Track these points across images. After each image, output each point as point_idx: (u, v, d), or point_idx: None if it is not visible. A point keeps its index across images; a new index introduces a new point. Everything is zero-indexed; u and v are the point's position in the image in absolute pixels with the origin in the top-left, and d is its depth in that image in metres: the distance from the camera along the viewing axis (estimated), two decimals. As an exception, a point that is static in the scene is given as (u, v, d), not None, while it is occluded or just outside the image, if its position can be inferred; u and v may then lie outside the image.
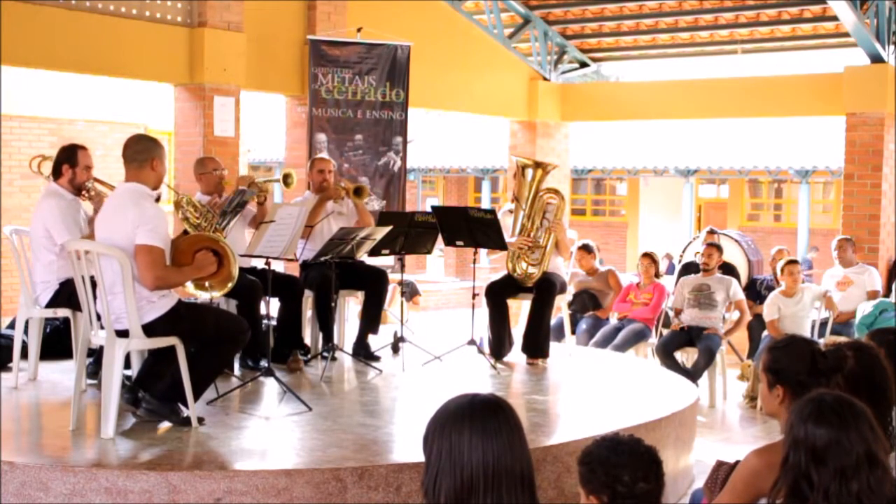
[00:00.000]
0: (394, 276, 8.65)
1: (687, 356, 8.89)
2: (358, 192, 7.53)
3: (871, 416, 2.79)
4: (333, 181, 7.53)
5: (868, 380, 3.42)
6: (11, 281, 10.58)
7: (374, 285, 7.56)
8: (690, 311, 8.86)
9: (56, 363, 6.63)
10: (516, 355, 7.61)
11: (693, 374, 8.32)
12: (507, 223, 7.57)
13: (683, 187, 21.96)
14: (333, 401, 6.15)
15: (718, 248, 9.15)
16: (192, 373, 5.11)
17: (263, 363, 6.43)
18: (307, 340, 7.41)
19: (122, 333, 5.01)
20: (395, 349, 7.64)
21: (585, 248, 10.08)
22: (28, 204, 11.37)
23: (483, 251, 9.72)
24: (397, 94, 10.54)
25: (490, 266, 17.31)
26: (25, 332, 6.34)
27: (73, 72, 9.39)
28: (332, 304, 7.16)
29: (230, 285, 5.37)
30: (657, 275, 9.64)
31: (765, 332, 9.18)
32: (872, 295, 9.70)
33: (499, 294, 7.66)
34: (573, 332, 9.20)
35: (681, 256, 11.35)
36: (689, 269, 9.88)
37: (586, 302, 9.81)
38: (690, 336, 8.74)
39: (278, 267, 8.22)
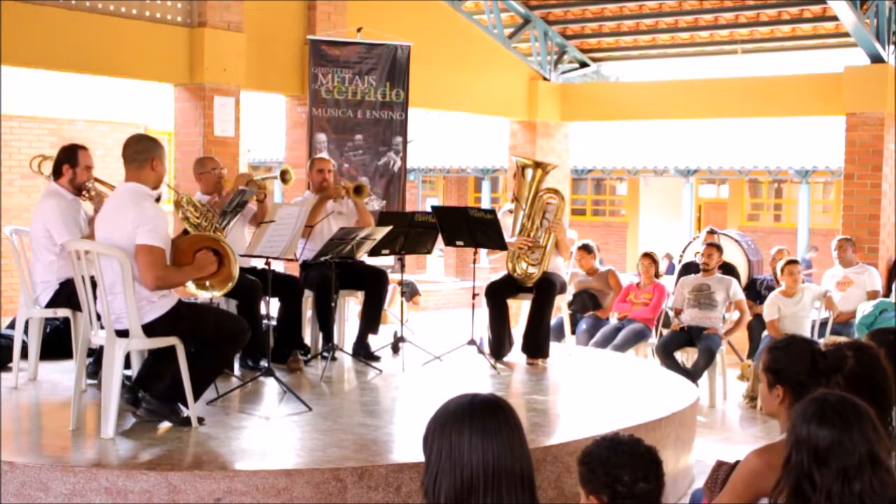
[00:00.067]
0: (394, 276, 8.65)
1: (687, 356, 8.89)
2: (358, 190, 7.53)
3: (874, 416, 2.79)
4: (333, 181, 7.53)
5: (868, 380, 3.42)
6: (11, 281, 10.58)
7: (374, 285, 7.56)
8: (690, 311, 8.86)
9: (56, 363, 6.63)
10: (516, 355, 7.61)
11: (693, 374, 8.32)
12: (507, 223, 7.57)
13: (683, 187, 21.96)
14: (333, 401, 6.15)
15: (718, 248, 9.15)
16: (192, 373, 5.11)
17: (263, 363, 6.43)
18: (307, 340, 7.41)
19: (122, 333, 5.01)
20: (395, 349, 7.64)
21: (585, 248, 10.08)
22: (28, 204, 11.37)
23: (483, 251, 9.72)
24: (397, 94, 10.54)
25: (490, 266, 17.30)
26: (25, 332, 6.34)
27: (73, 72, 9.39)
28: (332, 304, 7.16)
29: (230, 285, 5.37)
30: (657, 275, 9.64)
31: (765, 332, 9.18)
32: (872, 295, 9.70)
33: (499, 294, 7.66)
34: (573, 332, 9.20)
35: (681, 256, 11.35)
36: (689, 269, 9.88)
37: (586, 302, 9.81)
38: (690, 336, 8.74)
39: (278, 267, 8.21)
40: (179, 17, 9.36)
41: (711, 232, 10.55)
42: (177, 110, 9.63)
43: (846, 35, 11.41)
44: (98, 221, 5.22)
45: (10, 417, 5.47)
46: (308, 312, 7.45)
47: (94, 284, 5.10)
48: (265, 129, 19.89)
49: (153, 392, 5.16)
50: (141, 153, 5.13)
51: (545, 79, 13.42)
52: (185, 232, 5.99)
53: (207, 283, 5.34)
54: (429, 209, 7.83)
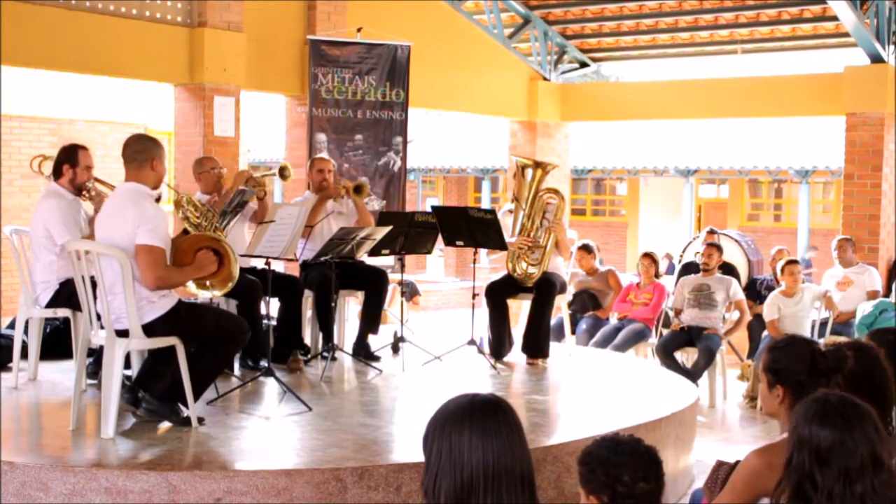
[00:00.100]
0: (394, 276, 8.65)
1: (687, 356, 8.89)
2: (358, 189, 7.54)
3: (876, 416, 2.79)
4: (333, 180, 7.53)
5: (868, 380, 3.42)
6: (11, 281, 10.58)
7: (374, 285, 7.56)
8: (690, 311, 8.86)
9: (56, 363, 6.63)
10: (516, 355, 7.61)
11: (693, 374, 8.32)
12: (507, 223, 7.58)
13: (683, 187, 21.96)
14: (333, 401, 6.15)
15: (718, 248, 9.15)
16: (192, 373, 5.11)
17: (263, 363, 6.43)
18: (307, 340, 7.41)
19: (122, 333, 5.01)
20: (395, 349, 7.64)
21: (585, 248, 10.08)
22: (28, 204, 11.37)
23: (483, 251, 9.72)
24: (397, 94, 10.54)
25: (490, 266, 17.30)
26: (25, 332, 6.34)
27: (73, 72, 9.39)
28: (332, 304, 7.16)
29: (231, 285, 5.37)
30: (657, 275, 9.64)
31: (765, 332, 9.18)
32: (872, 295, 9.70)
33: (499, 294, 7.66)
34: (573, 332, 9.20)
35: (681, 256, 11.35)
36: (689, 269, 9.88)
37: (586, 302, 9.82)
38: (690, 336, 8.74)
39: (278, 267, 8.21)
40: (179, 17, 9.36)
41: (711, 232, 10.55)
42: (177, 110, 9.63)
43: (846, 35, 11.41)
44: (98, 221, 5.22)
45: (10, 417, 5.47)
46: (308, 312, 7.45)
47: (94, 284, 5.10)
48: (265, 129, 19.89)
49: (153, 392, 5.16)
50: (141, 153, 5.13)
51: (545, 79, 13.42)
52: (185, 232, 6.00)
53: (208, 283, 5.34)
54: (429, 209, 7.83)
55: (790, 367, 3.31)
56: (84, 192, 6.21)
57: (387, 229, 6.87)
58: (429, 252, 7.73)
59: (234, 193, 6.66)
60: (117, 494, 4.30)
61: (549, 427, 5.75)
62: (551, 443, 5.14)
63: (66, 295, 5.94)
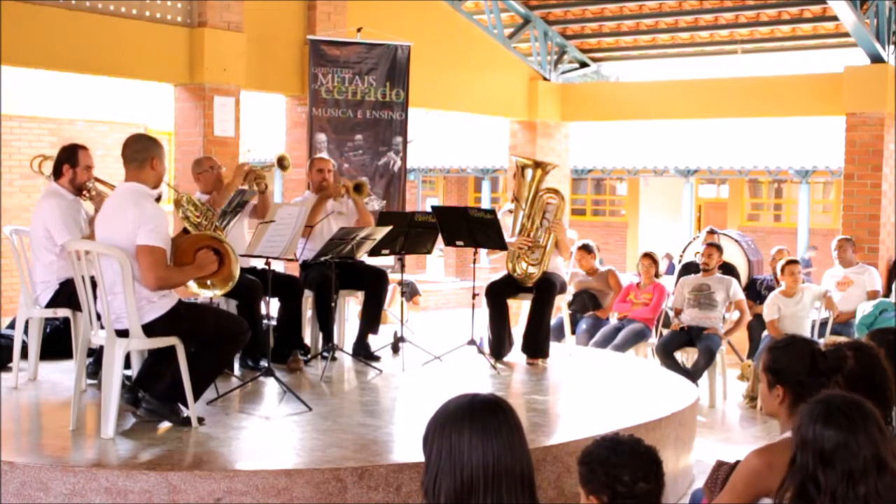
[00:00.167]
0: (394, 276, 8.65)
1: (687, 356, 8.89)
2: (358, 188, 7.54)
3: (881, 417, 2.78)
4: (333, 180, 7.53)
5: (868, 380, 3.42)
6: (11, 281, 10.58)
7: (374, 285, 7.56)
8: (690, 311, 8.86)
9: (56, 363, 6.63)
10: (516, 355, 7.61)
11: (693, 374, 8.32)
12: (506, 223, 7.58)
13: (683, 187, 21.96)
14: (333, 401, 6.15)
15: (718, 248, 9.15)
16: (192, 373, 5.11)
17: (263, 363, 6.43)
18: (307, 340, 7.40)
19: (122, 333, 5.01)
20: (395, 349, 7.64)
21: (585, 248, 10.08)
22: (28, 204, 11.37)
23: (483, 251, 9.72)
24: (397, 94, 10.54)
25: (490, 266, 17.30)
26: (25, 332, 6.34)
27: (73, 72, 9.39)
28: (332, 304, 7.16)
29: (231, 284, 5.38)
30: (657, 275, 9.64)
31: (765, 332, 9.18)
32: (872, 295, 9.70)
33: (499, 294, 7.66)
34: (573, 332, 9.20)
35: (681, 256, 11.35)
36: (689, 269, 9.88)
37: (586, 302, 9.81)
38: (690, 336, 8.74)
39: (278, 267, 8.21)
40: (179, 17, 9.36)
41: (711, 232, 10.55)
42: (177, 110, 9.63)
43: (846, 35, 11.41)
44: (98, 221, 5.22)
45: (10, 417, 5.47)
46: (308, 312, 7.45)
47: (94, 284, 5.10)
48: (265, 129, 19.89)
49: (153, 392, 5.16)
50: (140, 153, 5.13)
51: (545, 79, 13.42)
52: (185, 231, 6.00)
53: (209, 282, 5.35)
54: (429, 209, 7.83)
55: (790, 367, 3.31)
56: (84, 192, 6.21)
57: (387, 229, 6.87)
58: (429, 252, 7.73)
59: (234, 193, 6.67)
60: (117, 494, 4.30)
61: (549, 427, 5.75)
62: (551, 443, 5.14)
63: (66, 295, 5.94)
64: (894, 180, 11.09)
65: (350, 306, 9.16)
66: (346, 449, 4.88)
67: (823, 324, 9.24)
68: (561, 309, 8.38)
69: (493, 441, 2.49)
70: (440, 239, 7.55)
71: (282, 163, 7.16)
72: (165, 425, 5.16)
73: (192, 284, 5.35)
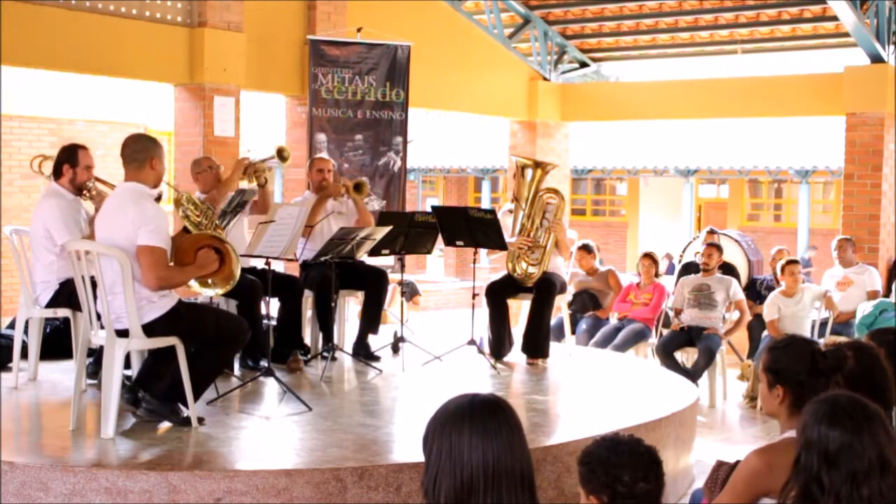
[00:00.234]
0: (394, 276, 8.65)
1: (687, 356, 8.89)
2: (358, 188, 7.54)
3: (885, 418, 2.78)
4: (333, 179, 7.53)
5: (868, 380, 3.42)
6: (11, 281, 10.58)
7: (374, 285, 7.56)
8: (690, 311, 8.86)
9: (56, 363, 6.63)
10: (516, 355, 7.61)
11: (693, 374, 8.32)
12: (506, 223, 7.58)
13: (683, 187, 21.96)
14: (333, 401, 6.15)
15: (718, 248, 9.15)
16: (192, 373, 5.11)
17: (263, 363, 6.43)
18: (307, 340, 7.40)
19: (122, 333, 5.01)
20: (395, 349, 7.64)
21: (585, 248, 10.08)
22: (28, 204, 11.37)
23: (483, 251, 9.72)
24: (397, 94, 10.54)
25: (490, 266, 17.30)
26: (25, 332, 6.34)
27: (73, 72, 9.39)
28: (332, 304, 7.16)
29: (232, 283, 5.38)
30: (657, 275, 9.64)
31: (765, 332, 9.18)
32: (872, 295, 9.70)
33: (499, 294, 7.66)
34: (573, 332, 9.20)
35: (681, 256, 11.35)
36: (689, 269, 9.88)
37: (586, 302, 9.81)
38: (690, 336, 8.74)
39: (278, 267, 8.22)
40: (179, 17, 9.36)
41: (711, 232, 10.55)
42: (177, 110, 9.63)
43: (846, 35, 11.41)
44: (98, 221, 5.22)
45: (10, 417, 5.47)
46: (308, 312, 7.45)
47: (94, 284, 5.10)
48: (265, 129, 19.88)
49: (153, 392, 5.16)
50: (139, 152, 5.13)
51: (545, 79, 13.42)
52: (186, 230, 6.00)
53: (210, 281, 5.35)
54: (429, 209, 7.83)
55: (790, 367, 3.31)
56: (85, 192, 6.21)
57: (387, 229, 6.87)
58: (429, 252, 7.73)
59: (234, 193, 6.67)
60: (117, 494, 4.30)
61: (549, 427, 5.75)
62: (551, 443, 5.14)
63: (66, 295, 5.94)
64: (894, 180, 11.09)
65: (350, 306, 9.17)
66: (346, 449, 4.88)
67: (823, 324, 9.25)
68: (561, 309, 8.39)
69: (493, 441, 2.48)
70: (440, 239, 7.55)
71: (281, 154, 7.16)
72: (165, 425, 5.16)
73: (193, 283, 5.36)
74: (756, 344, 9.57)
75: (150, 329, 5.03)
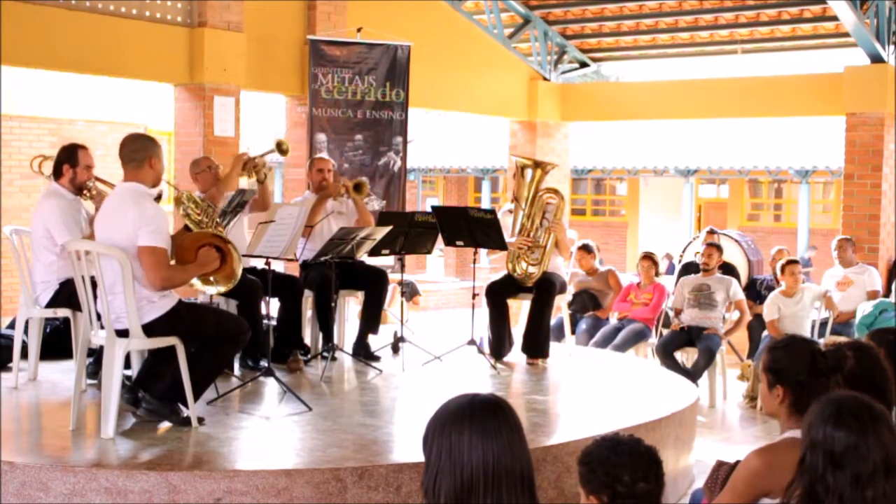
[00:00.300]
0: (394, 276, 8.65)
1: (687, 356, 8.89)
2: (358, 187, 7.54)
3: (890, 419, 2.78)
4: (333, 179, 7.53)
5: (868, 380, 3.42)
6: (11, 281, 10.58)
7: (374, 285, 7.56)
8: (690, 311, 8.86)
9: (56, 363, 6.63)
10: (516, 355, 7.61)
11: (693, 374, 8.32)
12: (506, 223, 7.58)
13: (683, 187, 21.97)
14: (333, 401, 6.15)
15: (718, 248, 9.15)
16: (192, 373, 5.11)
17: (263, 363, 6.43)
18: (307, 340, 7.40)
19: (122, 333, 5.01)
20: (395, 349, 7.64)
21: (585, 248, 10.08)
22: (28, 204, 11.37)
23: (483, 251, 9.72)
24: (397, 94, 10.54)
25: (490, 266, 17.30)
26: (25, 332, 6.34)
27: (73, 72, 9.39)
28: (332, 304, 7.16)
29: (234, 281, 5.38)
30: (657, 275, 9.64)
31: (765, 332, 9.18)
32: (872, 295, 9.70)
33: (499, 294, 7.66)
34: (573, 332, 9.20)
35: (681, 256, 11.35)
36: (689, 269, 9.88)
37: (586, 302, 9.81)
38: (690, 336, 8.74)
39: (278, 267, 8.21)
40: (179, 17, 9.36)
41: (711, 232, 10.55)
42: (177, 110, 9.63)
43: (846, 35, 11.41)
44: (97, 221, 5.22)
45: (10, 417, 5.47)
46: (308, 312, 7.45)
47: (94, 284, 5.10)
48: (265, 129, 19.88)
49: (153, 392, 5.16)
50: (138, 152, 5.13)
51: (545, 79, 13.42)
52: (187, 228, 5.99)
53: (212, 279, 5.36)
54: (429, 209, 7.83)
55: (790, 367, 3.31)
56: (85, 192, 6.21)
57: (387, 229, 6.87)
58: (429, 252, 7.73)
59: (234, 193, 6.67)
60: (117, 494, 4.30)
61: (549, 427, 5.75)
62: (551, 443, 5.14)
63: (66, 295, 5.94)
64: (894, 180, 11.09)
65: (350, 306, 9.16)
66: (346, 449, 4.88)
67: (823, 324, 9.25)
68: (561, 309, 8.39)
69: (493, 441, 2.48)
70: (440, 239, 7.55)
71: (280, 147, 7.16)
72: (165, 425, 5.16)
73: (195, 281, 5.37)
74: (756, 344, 9.58)
75: (150, 329, 5.03)
